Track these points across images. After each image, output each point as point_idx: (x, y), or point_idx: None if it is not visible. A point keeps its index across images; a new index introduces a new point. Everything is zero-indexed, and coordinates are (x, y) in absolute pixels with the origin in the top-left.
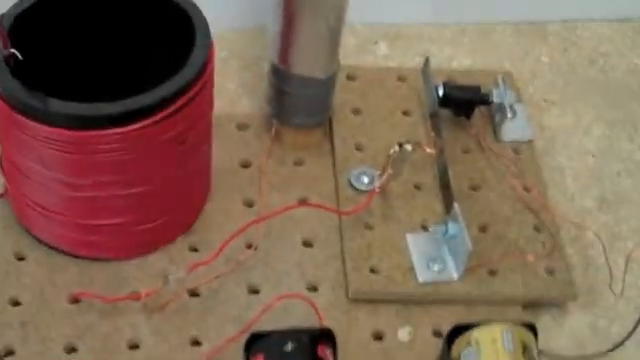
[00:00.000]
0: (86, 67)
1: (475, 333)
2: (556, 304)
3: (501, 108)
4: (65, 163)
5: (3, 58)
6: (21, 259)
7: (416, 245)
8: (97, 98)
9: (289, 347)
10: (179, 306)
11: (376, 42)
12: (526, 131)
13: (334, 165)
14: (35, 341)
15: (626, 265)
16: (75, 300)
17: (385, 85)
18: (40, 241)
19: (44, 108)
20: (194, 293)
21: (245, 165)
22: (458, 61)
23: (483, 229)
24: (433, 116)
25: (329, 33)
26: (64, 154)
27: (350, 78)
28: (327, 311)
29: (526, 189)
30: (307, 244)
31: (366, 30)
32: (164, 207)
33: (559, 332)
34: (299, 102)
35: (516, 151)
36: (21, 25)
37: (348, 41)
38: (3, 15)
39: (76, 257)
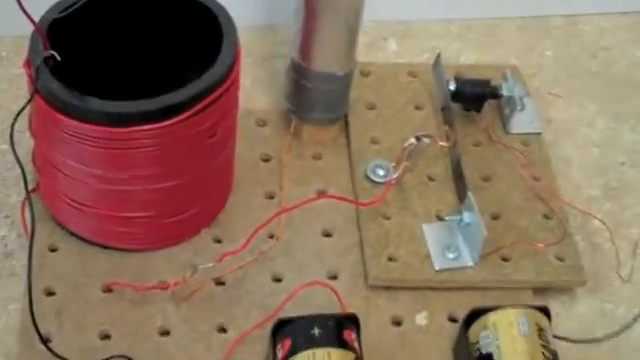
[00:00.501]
0: (119, 66)
1: (491, 317)
2: (565, 289)
3: (511, 101)
4: (101, 158)
5: (43, 59)
6: (54, 251)
7: (432, 234)
8: (130, 95)
9: (316, 332)
10: (206, 295)
11: (386, 39)
12: (535, 123)
13: (350, 158)
14: (70, 329)
15: (635, 251)
16: (107, 289)
17: (397, 81)
18: (72, 233)
19: (82, 106)
20: (220, 282)
21: (265, 159)
22: (465, 56)
23: (495, 217)
24: (445, 110)
25: (348, 31)
26: (100, 150)
27: (364, 74)
28: (347, 298)
29: (535, 179)
30: (327, 234)
31: (376, 28)
32: (192, 200)
33: (568, 316)
34: (318, 98)
35: (525, 143)
36: (59, 27)
37: (359, 39)
38: (42, 18)
39: (107, 248)
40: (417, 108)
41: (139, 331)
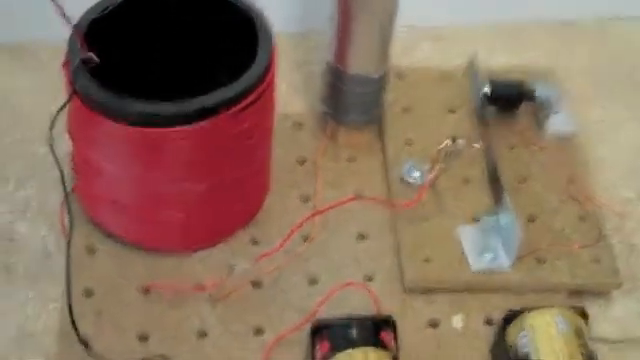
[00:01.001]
0: (156, 67)
1: (529, 318)
2: (601, 292)
3: (545, 103)
4: (138, 159)
5: (81, 60)
6: (92, 252)
7: (468, 236)
8: (167, 97)
9: (354, 333)
10: (242, 296)
11: (419, 44)
12: (569, 125)
13: (385, 161)
14: (109, 330)
15: None
16: (145, 291)
17: (432, 83)
18: (110, 235)
19: (119, 107)
20: (256, 283)
21: (301, 162)
22: (496, 60)
23: (531, 219)
24: (480, 112)
25: (382, 34)
26: (137, 151)
27: (398, 77)
28: (383, 300)
29: (570, 181)
30: (362, 236)
31: (409, 33)
32: (229, 202)
33: (604, 318)
34: (353, 100)
35: (560, 145)
36: (96, 28)
37: (394, 44)
38: (80, 19)
39: (144, 250)
40: (452, 111)
41: (177, 332)
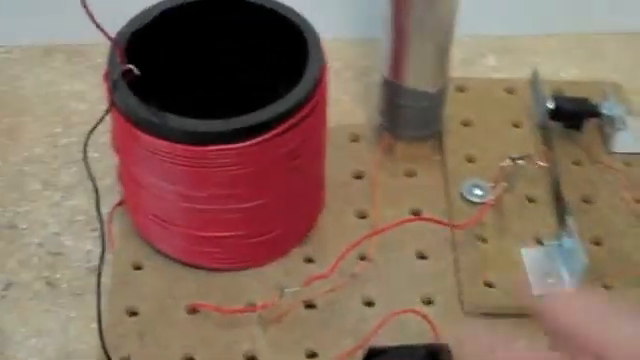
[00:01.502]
0: (198, 82)
1: None
2: None
3: (611, 120)
4: (181, 176)
5: (121, 73)
6: (138, 268)
7: (531, 259)
8: (210, 112)
9: None
10: (295, 318)
11: (484, 54)
12: (637, 143)
13: (445, 177)
14: (153, 351)
15: None
16: (193, 310)
17: (494, 97)
18: (158, 251)
19: (160, 123)
20: (310, 305)
21: (358, 177)
22: (565, 72)
23: (597, 242)
24: (543, 128)
25: (438, 49)
26: (180, 168)
27: (459, 90)
28: (442, 324)
29: (638, 201)
30: (421, 256)
31: (473, 42)
32: (277, 220)
33: None
34: (411, 115)
35: (627, 163)
36: (138, 39)
37: (455, 54)
38: (120, 30)
39: (193, 267)
40: (515, 125)
41: (225, 355)
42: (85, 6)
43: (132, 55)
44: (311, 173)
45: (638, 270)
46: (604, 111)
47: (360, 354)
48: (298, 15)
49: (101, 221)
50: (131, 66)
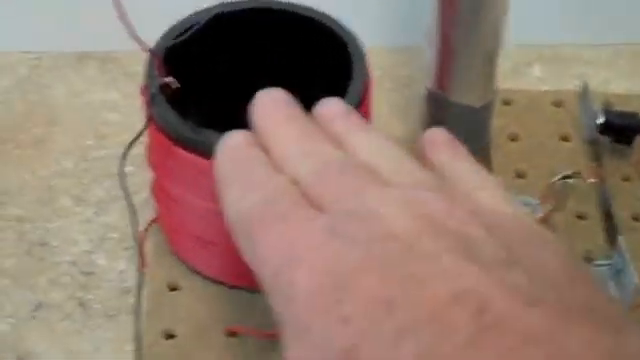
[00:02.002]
0: (237, 94)
1: None
2: None
3: None
4: None
5: (159, 86)
6: (174, 289)
7: None
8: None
9: None
10: None
11: (530, 64)
12: None
13: None
14: None
15: None
16: (232, 334)
17: (541, 110)
18: (194, 271)
19: (200, 140)
20: None
21: None
22: (616, 84)
23: None
24: (593, 143)
25: (486, 61)
26: None
27: (505, 103)
28: None
29: None
30: None
31: (519, 52)
32: None
33: None
34: (455, 129)
35: None
36: (174, 52)
37: (501, 64)
38: (157, 43)
39: (233, 288)
40: (563, 139)
41: None
42: (123, 18)
43: (170, 66)
44: None
45: None
46: None
47: None
48: (342, 26)
49: (138, 239)
50: (171, 79)
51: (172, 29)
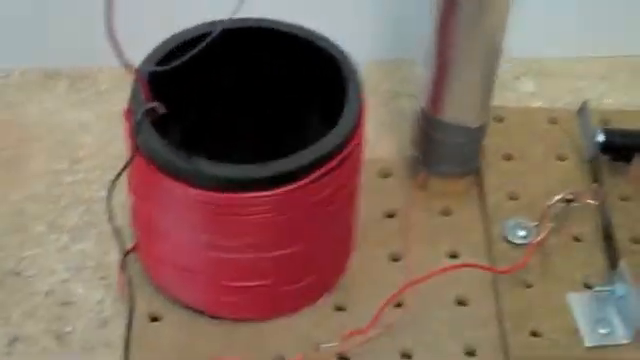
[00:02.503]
0: (227, 122)
1: None
2: None
3: None
4: (209, 225)
5: (145, 111)
6: (156, 320)
7: (580, 305)
8: (241, 151)
9: None
10: None
11: (520, 78)
12: None
13: (485, 216)
14: None
15: None
16: None
17: (536, 127)
18: (176, 301)
19: (188, 168)
20: (343, 357)
21: (390, 215)
22: (612, 98)
23: None
24: (592, 162)
25: (484, 81)
26: (210, 216)
27: (497, 120)
28: None
29: None
30: (461, 303)
31: (510, 66)
32: (310, 268)
33: None
34: (449, 150)
35: None
36: (159, 75)
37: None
38: (142, 64)
39: (216, 318)
40: (559, 159)
41: None
42: (112, 37)
43: (154, 89)
44: (345, 218)
45: None
46: None
47: None
48: (336, 47)
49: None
50: (157, 104)
51: (156, 51)
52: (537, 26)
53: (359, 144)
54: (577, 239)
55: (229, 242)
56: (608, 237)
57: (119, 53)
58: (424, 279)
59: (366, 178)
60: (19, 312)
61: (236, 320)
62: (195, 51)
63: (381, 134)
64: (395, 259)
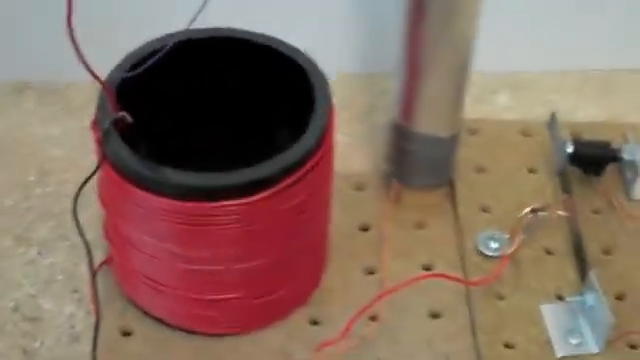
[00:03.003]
0: (197, 131)
1: None
2: None
3: (632, 165)
4: (179, 235)
5: (112, 121)
6: (127, 334)
7: (552, 317)
8: (210, 161)
9: None
10: None
11: (495, 92)
12: None
13: (458, 228)
14: None
15: None
16: None
17: (508, 140)
18: (148, 315)
19: (157, 178)
20: None
21: (364, 229)
22: (583, 111)
23: (620, 297)
24: (562, 175)
25: (455, 90)
26: (180, 226)
27: (471, 132)
28: None
29: None
30: (434, 315)
31: (484, 79)
32: (282, 279)
33: None
34: (422, 162)
35: None
36: (127, 85)
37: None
38: (110, 75)
39: (189, 333)
40: (531, 171)
41: None
42: (77, 50)
43: (122, 99)
44: (318, 228)
45: None
46: (625, 156)
47: None
48: (304, 56)
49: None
50: (124, 113)
51: (124, 61)
52: (512, 40)
53: (328, 151)
54: (548, 251)
55: (198, 253)
56: (579, 249)
57: (86, 65)
58: (397, 288)
59: (340, 191)
60: None
61: (209, 334)
62: (158, 57)
63: (356, 148)
64: (370, 272)
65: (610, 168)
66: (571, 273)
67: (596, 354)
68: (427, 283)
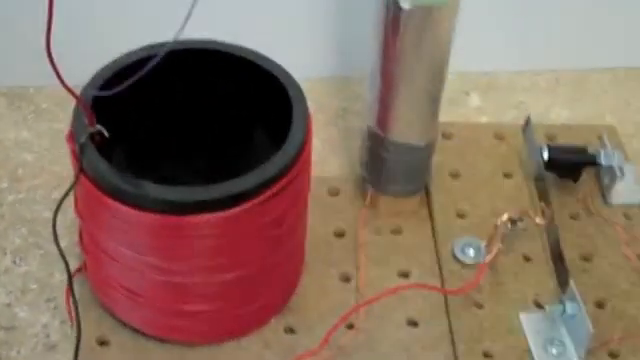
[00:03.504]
0: (176, 142)
1: None
2: None
3: (609, 170)
4: (156, 248)
5: (89, 135)
6: (104, 344)
7: (531, 325)
8: (189, 175)
9: None
10: None
11: (467, 93)
12: (637, 193)
13: (435, 235)
14: None
15: None
16: None
17: (482, 144)
18: (124, 324)
19: (134, 191)
20: None
21: (339, 234)
22: (555, 112)
23: (600, 305)
24: (538, 180)
25: (429, 99)
26: (157, 239)
27: (445, 136)
28: None
29: None
30: (412, 323)
31: (456, 80)
32: (259, 290)
33: None
34: (397, 169)
35: (627, 215)
36: (103, 98)
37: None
38: (85, 88)
39: (165, 342)
40: (506, 176)
41: None
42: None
43: (99, 110)
44: (294, 239)
45: None
46: (601, 161)
47: None
48: (279, 67)
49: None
50: (100, 127)
51: (99, 74)
52: (483, 41)
53: (306, 166)
54: (527, 258)
55: (176, 265)
56: (558, 257)
57: (60, 78)
58: (374, 300)
59: (315, 197)
60: None
61: (186, 344)
62: (138, 77)
63: (330, 152)
64: (346, 279)
65: (587, 172)
66: (550, 280)
67: None
68: (405, 290)
